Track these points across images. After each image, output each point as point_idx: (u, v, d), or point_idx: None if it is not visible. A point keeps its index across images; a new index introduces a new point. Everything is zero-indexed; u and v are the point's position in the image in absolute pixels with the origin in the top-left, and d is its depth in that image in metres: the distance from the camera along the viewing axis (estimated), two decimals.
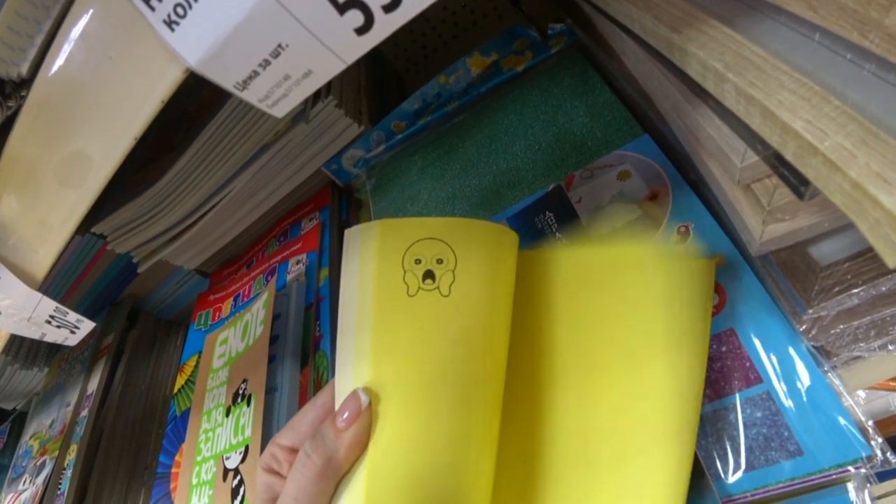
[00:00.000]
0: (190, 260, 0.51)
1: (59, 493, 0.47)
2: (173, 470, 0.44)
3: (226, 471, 0.37)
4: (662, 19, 0.21)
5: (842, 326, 0.23)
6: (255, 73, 0.16)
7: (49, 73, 0.17)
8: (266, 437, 0.35)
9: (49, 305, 0.27)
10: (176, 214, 0.45)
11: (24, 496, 0.50)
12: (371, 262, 0.23)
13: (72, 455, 0.49)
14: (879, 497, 0.27)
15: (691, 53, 0.19)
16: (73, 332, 0.30)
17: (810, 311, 0.22)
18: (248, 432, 0.35)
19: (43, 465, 0.50)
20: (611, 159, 0.32)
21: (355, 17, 0.14)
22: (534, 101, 0.39)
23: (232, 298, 0.49)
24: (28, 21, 0.17)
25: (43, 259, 0.24)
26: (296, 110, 0.39)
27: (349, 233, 0.24)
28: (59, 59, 0.17)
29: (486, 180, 0.37)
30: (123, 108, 0.18)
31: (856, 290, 0.22)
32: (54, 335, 0.30)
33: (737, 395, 0.23)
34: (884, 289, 0.22)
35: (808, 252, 0.23)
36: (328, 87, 0.41)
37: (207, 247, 0.50)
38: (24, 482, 0.52)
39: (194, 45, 0.15)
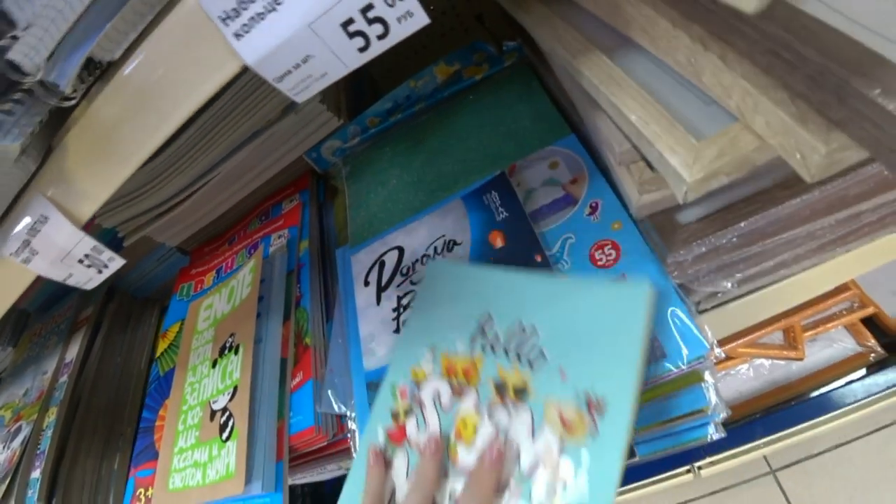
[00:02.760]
0: (173, 237, 0.59)
1: (38, 452, 0.52)
2: (157, 423, 0.50)
3: (213, 412, 0.44)
4: (567, 48, 0.31)
5: (696, 267, 0.34)
6: (289, 72, 0.25)
7: (138, 58, 0.26)
8: (254, 379, 0.43)
9: (88, 244, 0.34)
10: (166, 191, 0.53)
11: None
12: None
13: (51, 417, 0.54)
14: None
15: (583, 73, 0.30)
16: (99, 272, 0.38)
17: (671, 257, 0.33)
18: (236, 375, 0.43)
19: (18, 429, 0.55)
20: (544, 153, 0.43)
21: (358, 42, 0.24)
22: (488, 105, 0.49)
23: (214, 271, 0.56)
24: (136, 15, 0.25)
25: (91, 203, 0.32)
26: (286, 102, 0.48)
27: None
28: (147, 48, 0.26)
29: (446, 168, 0.47)
30: (186, 90, 0.27)
31: (702, 241, 0.33)
32: (79, 277, 0.37)
33: None
34: (722, 241, 0.33)
35: (673, 216, 0.34)
36: None
37: (192, 224, 0.58)
38: None
39: (253, 51, 0.24)
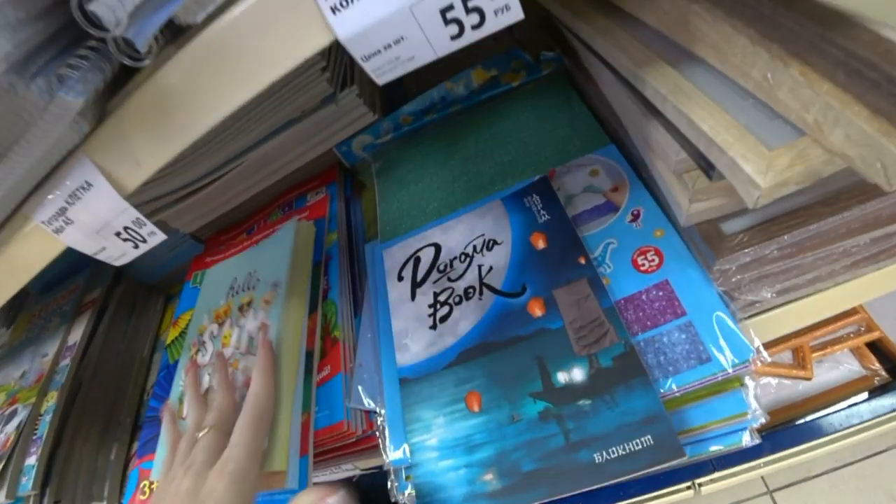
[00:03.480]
0: (190, 223, 0.58)
1: (34, 437, 0.50)
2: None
3: None
4: (631, 57, 0.33)
5: (739, 276, 0.35)
6: (378, 52, 0.26)
7: (221, 26, 0.26)
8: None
9: (131, 215, 0.34)
10: (191, 174, 0.52)
11: None
12: None
13: (50, 401, 0.52)
14: None
15: (647, 82, 0.31)
16: (135, 247, 0.37)
17: (718, 264, 0.34)
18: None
19: (14, 413, 0.53)
20: (584, 161, 0.44)
21: (453, 29, 0.25)
22: (525, 111, 0.50)
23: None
24: None
25: (141, 173, 0.32)
26: (326, 92, 0.48)
27: None
28: (233, 15, 0.26)
29: (483, 169, 0.48)
30: (266, 63, 0.27)
31: (748, 251, 0.34)
32: (112, 251, 0.36)
33: (669, 325, 0.35)
34: (766, 252, 0.34)
35: (718, 225, 0.35)
36: (353, 77, 0.50)
37: (211, 211, 0.57)
38: None
39: (347, 27, 0.24)
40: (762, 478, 0.77)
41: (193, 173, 0.52)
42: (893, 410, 0.60)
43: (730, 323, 0.33)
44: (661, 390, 0.33)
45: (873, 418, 0.60)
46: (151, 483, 0.46)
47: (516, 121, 0.50)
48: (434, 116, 0.54)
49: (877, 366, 0.60)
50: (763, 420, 0.35)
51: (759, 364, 0.33)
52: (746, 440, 0.36)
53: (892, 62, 0.21)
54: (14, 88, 0.27)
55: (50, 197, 0.35)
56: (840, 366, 0.61)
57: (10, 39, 0.25)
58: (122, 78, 0.31)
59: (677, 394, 0.33)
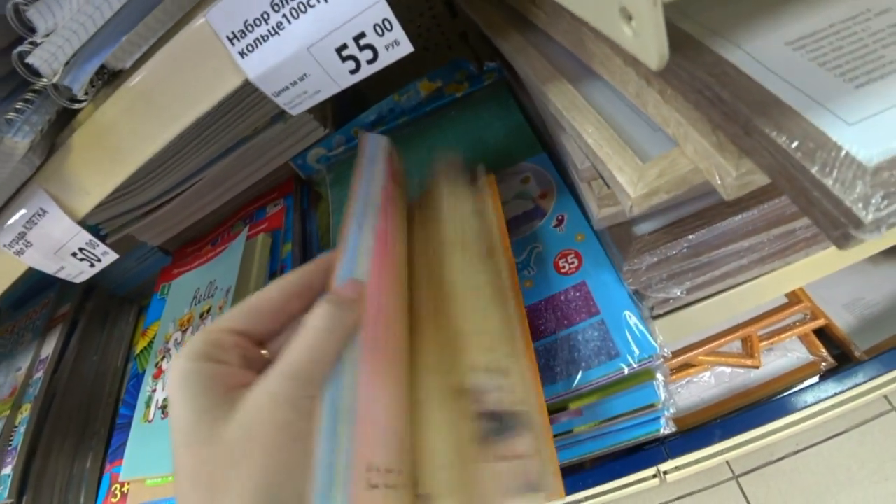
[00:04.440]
0: (156, 237, 0.61)
1: (10, 448, 0.54)
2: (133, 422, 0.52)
3: None
4: (538, 75, 0.36)
5: (649, 275, 0.38)
6: (287, 88, 0.29)
7: (148, 69, 0.29)
8: None
9: (84, 238, 0.37)
10: (152, 192, 0.55)
11: None
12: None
13: (24, 413, 0.55)
14: None
15: (549, 99, 0.34)
16: (91, 266, 0.40)
17: (627, 265, 0.37)
18: None
19: None
20: (517, 168, 0.48)
21: (350, 65, 0.28)
22: (466, 121, 0.54)
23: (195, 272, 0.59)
24: (149, 29, 0.28)
25: (91, 200, 0.35)
26: (275, 111, 0.51)
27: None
28: (157, 60, 0.29)
29: (423, 180, 0.51)
30: (189, 101, 0.30)
31: (655, 251, 0.37)
32: (70, 270, 0.40)
33: (584, 323, 0.38)
34: (672, 252, 0.38)
35: (630, 228, 0.38)
36: None
37: (175, 225, 0.60)
38: None
39: (256, 68, 0.27)
40: (728, 463, 0.80)
41: (151, 193, 0.55)
42: (842, 392, 0.63)
43: (636, 321, 0.36)
44: (575, 384, 0.36)
45: (822, 400, 0.63)
46: (122, 485, 0.50)
47: (457, 131, 0.53)
48: (383, 128, 0.57)
49: (824, 352, 0.64)
50: (674, 410, 0.38)
51: (662, 360, 0.36)
52: (664, 427, 0.40)
53: (725, 84, 0.24)
54: None
55: (10, 223, 0.38)
56: (788, 353, 0.65)
57: None
58: (67, 113, 0.34)
59: (590, 387, 0.36)
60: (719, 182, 0.25)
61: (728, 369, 0.67)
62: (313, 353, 0.21)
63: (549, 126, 0.44)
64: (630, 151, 0.29)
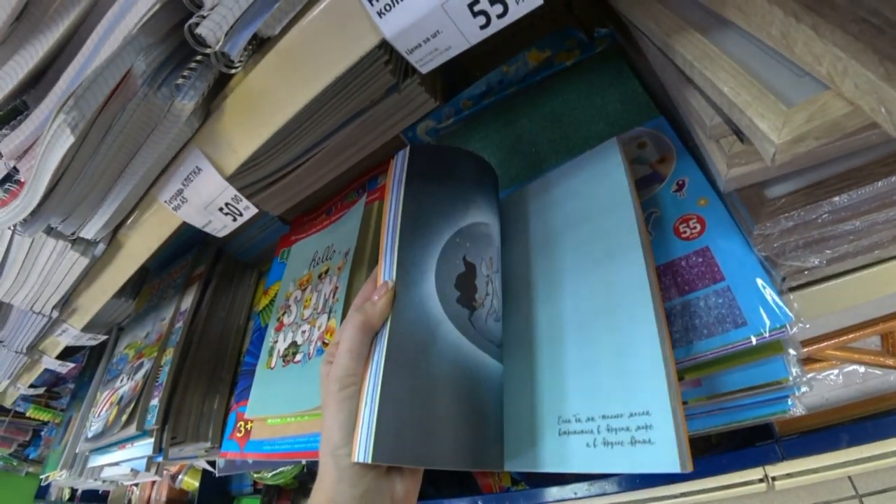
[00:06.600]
0: (278, 206, 0.67)
1: (157, 384, 0.63)
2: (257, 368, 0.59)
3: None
4: (662, 27, 0.35)
5: (782, 241, 0.36)
6: (419, 45, 0.31)
7: (293, 35, 0.33)
8: None
9: (230, 193, 0.43)
10: (275, 164, 0.61)
11: (122, 390, 0.66)
12: None
13: (168, 356, 0.64)
14: None
15: (677, 51, 0.33)
16: (234, 220, 0.46)
17: (758, 229, 0.36)
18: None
19: (140, 365, 0.66)
20: (633, 133, 0.47)
21: (481, 20, 0.29)
22: (578, 89, 0.53)
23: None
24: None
25: (237, 158, 0.40)
26: (390, 83, 0.54)
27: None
28: (301, 25, 0.33)
29: (537, 147, 0.52)
30: (330, 62, 0.34)
31: (790, 215, 0.35)
32: (216, 224, 0.46)
33: (707, 289, 0.37)
34: (812, 216, 0.35)
35: (761, 190, 0.36)
36: (414, 68, 0.56)
37: (296, 194, 0.66)
38: (121, 380, 0.68)
39: (392, 26, 0.30)
40: (850, 479, 0.72)
41: (278, 162, 0.61)
42: None
43: (768, 289, 0.34)
44: (695, 352, 0.35)
45: None
46: (247, 423, 0.56)
47: (569, 99, 0.53)
48: (492, 99, 0.58)
49: None
50: (806, 389, 0.35)
51: (796, 332, 0.34)
52: (793, 410, 0.37)
53: (892, 6, 0.22)
54: (147, 98, 0.36)
55: (171, 180, 0.45)
56: None
57: (144, 60, 0.34)
58: (220, 81, 0.39)
59: (712, 355, 0.35)
60: (886, 116, 0.23)
61: (862, 368, 0.60)
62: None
63: (669, 86, 0.43)
64: (772, 97, 0.28)
